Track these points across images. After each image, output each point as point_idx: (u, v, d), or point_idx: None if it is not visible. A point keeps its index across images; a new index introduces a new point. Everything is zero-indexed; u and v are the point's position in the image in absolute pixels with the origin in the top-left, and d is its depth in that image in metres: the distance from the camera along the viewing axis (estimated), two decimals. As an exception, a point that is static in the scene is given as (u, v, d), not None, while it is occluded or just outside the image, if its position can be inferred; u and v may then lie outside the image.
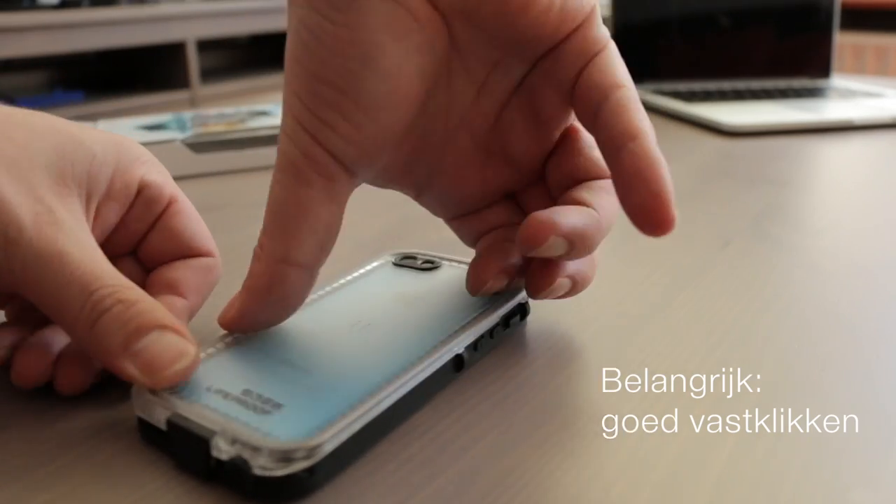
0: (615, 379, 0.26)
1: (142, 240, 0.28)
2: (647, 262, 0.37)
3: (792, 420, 0.23)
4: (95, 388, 0.25)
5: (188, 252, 0.28)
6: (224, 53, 2.56)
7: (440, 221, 0.43)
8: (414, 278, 0.31)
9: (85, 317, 0.22)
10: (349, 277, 0.31)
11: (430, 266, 0.32)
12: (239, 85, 2.27)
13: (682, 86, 0.83)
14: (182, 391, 0.22)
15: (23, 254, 0.22)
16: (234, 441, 0.20)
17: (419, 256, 0.33)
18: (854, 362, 0.27)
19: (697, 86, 0.83)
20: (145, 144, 0.55)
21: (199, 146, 0.55)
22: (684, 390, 0.25)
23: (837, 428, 0.23)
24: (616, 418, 0.24)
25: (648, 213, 0.22)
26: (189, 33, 2.10)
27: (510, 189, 0.29)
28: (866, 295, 0.32)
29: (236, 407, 0.22)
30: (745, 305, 0.32)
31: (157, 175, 0.28)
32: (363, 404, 0.22)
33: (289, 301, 0.25)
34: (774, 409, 0.24)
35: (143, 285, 0.28)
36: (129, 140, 0.28)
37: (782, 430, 0.23)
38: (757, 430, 0.23)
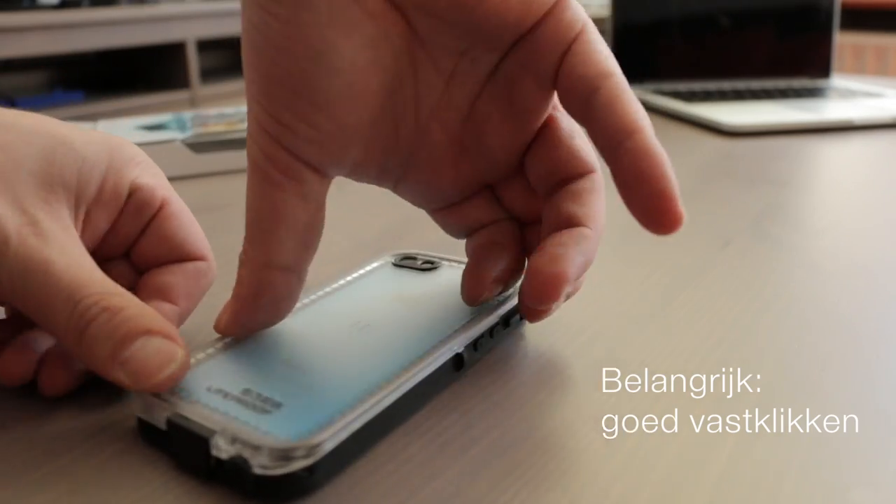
0: (615, 379, 0.26)
1: (134, 243, 0.28)
2: (647, 262, 0.37)
3: (792, 420, 0.23)
4: (94, 389, 0.25)
5: (181, 256, 0.28)
6: (224, 53, 2.56)
7: (440, 221, 0.43)
8: (414, 278, 0.31)
9: (73, 327, 0.22)
10: (349, 278, 0.31)
11: (430, 266, 0.32)
12: (239, 85, 2.26)
13: (682, 86, 0.83)
14: (182, 391, 0.22)
15: (8, 265, 0.22)
16: (234, 440, 0.20)
17: (419, 257, 0.33)
18: (854, 362, 0.27)
19: (697, 86, 0.83)
20: (145, 144, 0.55)
21: (199, 146, 0.55)
22: (684, 390, 0.25)
23: (837, 428, 0.23)
24: (616, 418, 0.24)
25: (655, 214, 0.21)
26: (189, 33, 2.10)
27: (487, 181, 0.28)
28: (866, 295, 0.32)
29: (236, 406, 0.22)
30: (745, 305, 0.32)
31: (150, 177, 0.28)
32: (363, 403, 0.22)
33: (279, 304, 0.25)
34: (774, 409, 0.24)
35: (136, 288, 0.28)
36: (121, 140, 0.28)
37: (782, 430, 0.23)
38: (757, 430, 0.23)
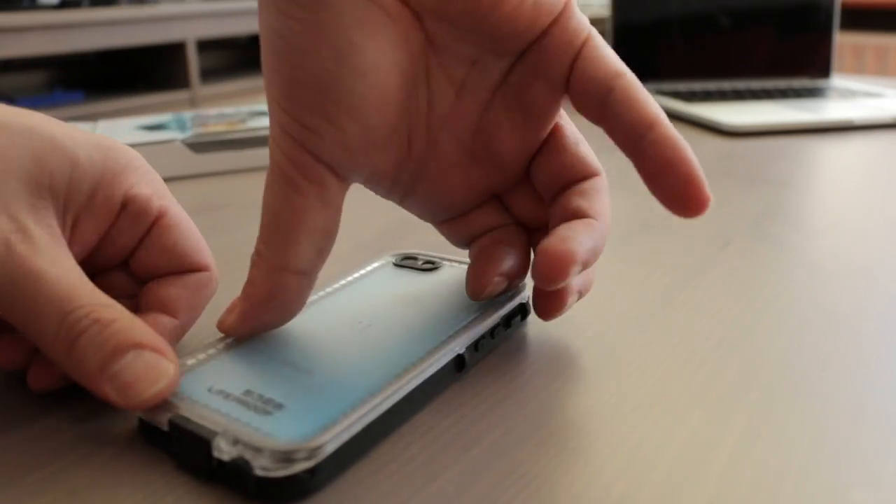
0: (616, 379, 0.26)
1: (133, 253, 0.27)
2: (647, 262, 0.37)
3: (792, 420, 0.23)
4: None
5: (182, 266, 0.27)
6: (224, 53, 2.56)
7: (440, 222, 0.43)
8: (414, 278, 0.31)
9: (62, 338, 0.22)
10: (350, 278, 0.31)
11: (431, 266, 0.32)
12: (239, 85, 2.27)
13: (682, 86, 0.83)
14: (184, 392, 0.22)
15: None
16: (235, 442, 0.20)
17: (419, 257, 0.33)
18: (854, 362, 0.27)
19: (697, 86, 0.83)
20: (145, 144, 0.55)
21: (199, 146, 0.55)
22: (684, 390, 0.25)
23: (837, 428, 0.23)
24: (616, 418, 0.24)
25: (684, 198, 0.23)
26: (189, 33, 2.10)
27: (495, 191, 0.28)
28: (866, 295, 0.32)
29: (238, 408, 0.22)
30: (745, 305, 0.32)
31: (146, 186, 0.27)
32: (364, 405, 0.22)
33: (289, 307, 0.25)
34: (774, 409, 0.24)
35: (137, 300, 0.27)
36: (118, 145, 0.27)
37: (782, 430, 0.23)
38: (757, 430, 0.23)
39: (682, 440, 0.23)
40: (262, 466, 0.20)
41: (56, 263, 0.23)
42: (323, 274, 0.36)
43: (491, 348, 0.28)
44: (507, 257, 0.27)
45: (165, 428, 0.22)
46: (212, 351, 0.25)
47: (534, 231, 0.29)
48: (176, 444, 0.22)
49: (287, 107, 0.23)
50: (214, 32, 2.18)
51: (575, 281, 0.27)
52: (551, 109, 0.26)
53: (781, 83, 0.83)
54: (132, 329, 0.22)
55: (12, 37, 1.76)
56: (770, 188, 0.49)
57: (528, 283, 0.30)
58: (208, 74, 2.31)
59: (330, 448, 0.20)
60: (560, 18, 0.24)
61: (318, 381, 0.23)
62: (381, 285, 0.30)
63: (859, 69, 2.24)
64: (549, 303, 0.27)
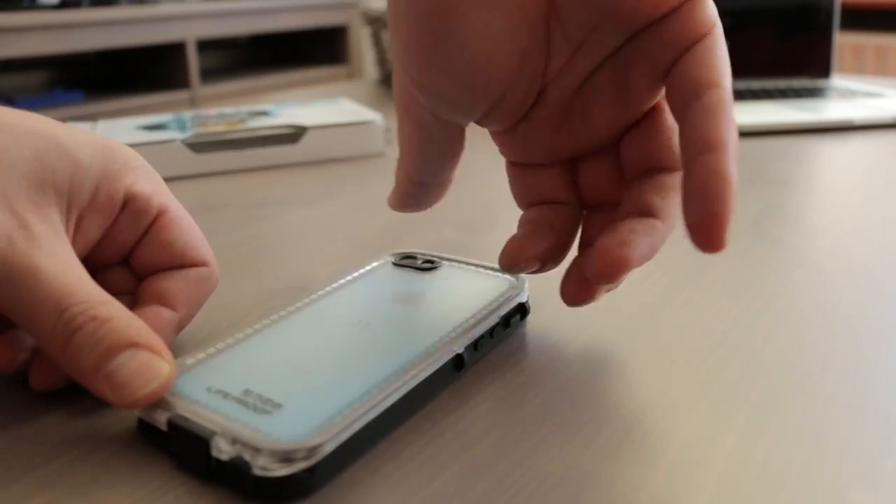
0: (615, 379, 0.26)
1: (133, 250, 0.28)
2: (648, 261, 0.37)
3: (792, 420, 0.23)
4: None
5: (182, 262, 0.28)
6: (224, 53, 2.56)
7: (440, 221, 0.43)
8: (413, 278, 0.31)
9: (59, 335, 0.22)
10: (349, 277, 0.31)
11: (430, 266, 0.32)
12: (239, 85, 2.28)
13: (682, 86, 0.82)
14: (182, 391, 0.22)
15: None
16: (234, 441, 0.20)
17: (419, 256, 0.33)
18: (854, 362, 0.27)
19: (697, 86, 0.82)
20: (145, 144, 0.55)
21: (199, 146, 0.55)
22: (684, 390, 0.25)
23: (837, 428, 0.23)
24: (616, 418, 0.24)
25: (703, 232, 0.22)
26: (189, 33, 2.10)
27: (577, 153, 0.28)
28: (866, 295, 0.32)
29: (237, 407, 0.22)
30: (745, 305, 0.32)
31: (146, 184, 0.27)
32: (363, 404, 0.22)
33: (420, 205, 0.30)
34: (774, 409, 0.24)
35: (136, 294, 0.28)
36: (117, 145, 0.27)
37: (782, 430, 0.23)
38: (757, 430, 0.23)
39: (682, 440, 0.23)
40: (261, 466, 0.20)
41: (56, 260, 0.23)
42: (322, 273, 0.36)
43: (490, 348, 0.28)
44: (546, 240, 0.28)
45: (164, 427, 0.22)
46: (211, 350, 0.25)
47: (593, 210, 0.29)
48: (175, 443, 0.22)
49: (405, 62, 0.26)
50: (214, 32, 2.18)
51: None
52: (650, 93, 0.26)
53: (781, 83, 0.83)
54: (129, 327, 0.22)
55: (12, 37, 1.76)
56: (770, 188, 0.49)
57: (529, 280, 0.30)
58: (208, 74, 2.31)
59: (329, 448, 0.20)
60: (685, 6, 0.24)
61: (316, 381, 0.23)
62: (381, 285, 0.30)
63: (859, 69, 2.24)
64: (582, 291, 0.27)
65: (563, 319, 0.30)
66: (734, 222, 0.38)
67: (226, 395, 0.22)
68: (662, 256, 0.37)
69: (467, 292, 0.29)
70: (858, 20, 2.26)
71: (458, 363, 0.26)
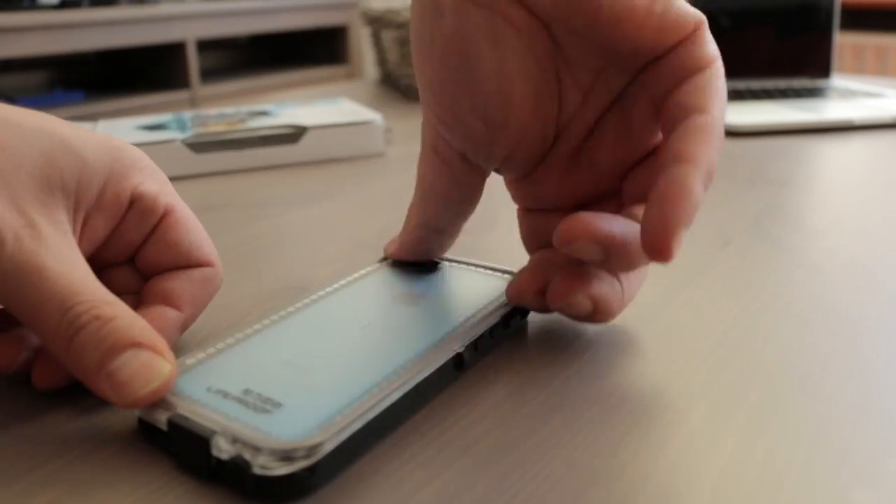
0: (615, 379, 0.26)
1: (139, 250, 0.28)
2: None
3: (792, 420, 0.23)
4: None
5: (187, 262, 0.28)
6: (224, 53, 2.56)
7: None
8: (414, 278, 0.31)
9: (62, 333, 0.22)
10: (349, 277, 0.31)
11: (431, 266, 0.32)
12: (239, 85, 2.28)
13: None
14: (183, 391, 0.22)
15: (3, 268, 0.22)
16: (234, 441, 0.20)
17: (419, 256, 0.33)
18: (854, 362, 0.27)
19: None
20: (145, 144, 0.55)
21: (199, 146, 0.55)
22: (684, 390, 0.25)
23: (838, 428, 0.23)
24: (616, 418, 0.24)
25: (652, 237, 0.22)
26: (189, 33, 2.10)
27: (583, 199, 0.29)
28: (866, 295, 0.32)
29: (237, 406, 0.22)
30: (745, 305, 0.32)
31: (152, 184, 0.28)
32: (363, 404, 0.22)
33: (430, 253, 0.31)
34: (774, 409, 0.24)
35: (141, 293, 0.28)
36: (124, 145, 0.27)
37: (782, 430, 0.23)
38: (757, 430, 0.23)
39: (682, 440, 0.23)
40: (261, 465, 0.20)
41: (62, 259, 0.23)
42: (322, 273, 0.36)
43: (490, 348, 0.28)
44: (552, 280, 0.27)
45: (164, 427, 0.22)
46: (211, 350, 0.25)
47: None
48: (175, 443, 0.22)
49: (432, 102, 0.27)
50: (214, 32, 2.18)
51: (593, 285, 0.26)
52: (650, 130, 0.27)
53: (781, 83, 0.83)
54: (131, 327, 0.22)
55: (12, 37, 1.76)
56: (770, 188, 0.49)
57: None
58: (208, 74, 2.31)
59: (329, 447, 0.20)
60: (685, 43, 0.25)
61: (317, 380, 0.23)
62: (381, 284, 0.30)
63: (859, 69, 2.24)
64: (558, 288, 0.26)
65: (563, 319, 0.30)
66: (734, 222, 0.38)
67: (226, 395, 0.22)
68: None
69: (467, 292, 0.29)
70: (858, 20, 2.26)
71: (458, 363, 0.26)
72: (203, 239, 0.29)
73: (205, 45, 2.32)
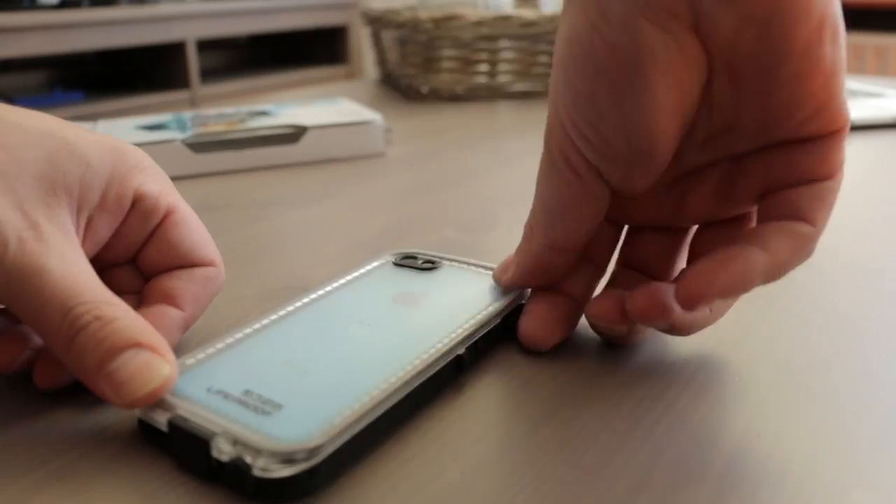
0: (616, 379, 0.26)
1: (141, 250, 0.28)
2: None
3: (792, 420, 0.23)
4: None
5: (189, 262, 0.28)
6: (224, 53, 2.56)
7: (440, 221, 0.43)
8: (414, 278, 0.31)
9: (63, 334, 0.22)
10: (349, 277, 0.31)
11: (431, 266, 0.32)
12: (239, 85, 2.27)
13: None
14: (183, 392, 0.22)
15: (6, 270, 0.22)
16: (234, 442, 0.20)
17: (419, 256, 0.33)
18: (855, 362, 0.27)
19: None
20: (145, 144, 0.55)
21: (199, 146, 0.55)
22: (684, 390, 0.25)
23: (838, 428, 0.23)
24: (616, 419, 0.24)
25: (685, 286, 0.23)
26: (189, 33, 2.10)
27: (651, 223, 0.28)
28: (866, 294, 0.32)
29: (237, 408, 0.22)
30: (745, 305, 0.31)
31: (155, 185, 0.28)
32: (364, 405, 0.22)
33: (553, 277, 0.28)
34: (774, 409, 0.24)
35: (143, 292, 0.28)
36: (126, 146, 0.27)
37: (782, 430, 0.23)
38: (757, 430, 0.23)
39: (682, 440, 0.23)
40: (262, 467, 0.20)
41: (64, 260, 0.23)
42: (322, 273, 0.36)
43: (490, 348, 0.28)
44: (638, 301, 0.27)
45: (164, 428, 0.22)
46: (211, 350, 0.25)
47: (628, 269, 0.29)
48: (175, 444, 0.22)
49: (572, 111, 0.24)
50: (214, 32, 2.18)
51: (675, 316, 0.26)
52: (747, 205, 0.26)
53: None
54: (132, 328, 0.22)
55: (12, 37, 1.76)
56: (770, 188, 0.49)
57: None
58: (208, 74, 2.31)
59: (329, 449, 0.20)
60: (827, 138, 0.24)
61: (317, 382, 0.23)
62: (381, 285, 0.30)
63: (859, 69, 2.24)
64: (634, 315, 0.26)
65: (564, 319, 0.30)
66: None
67: (226, 396, 0.22)
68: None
69: (468, 292, 0.29)
70: (858, 20, 2.26)
71: (458, 364, 0.25)
72: (205, 239, 0.29)
73: (205, 45, 2.32)
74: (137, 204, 0.27)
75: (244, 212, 0.46)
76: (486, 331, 0.27)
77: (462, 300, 0.28)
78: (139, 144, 0.54)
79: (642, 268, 0.29)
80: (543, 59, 0.82)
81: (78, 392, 0.25)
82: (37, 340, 0.25)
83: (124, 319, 0.22)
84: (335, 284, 0.30)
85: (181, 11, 2.07)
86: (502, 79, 0.84)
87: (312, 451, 0.20)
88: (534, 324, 0.28)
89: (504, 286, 0.29)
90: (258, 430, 0.21)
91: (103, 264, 0.27)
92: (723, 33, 0.22)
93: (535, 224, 0.27)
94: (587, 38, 0.23)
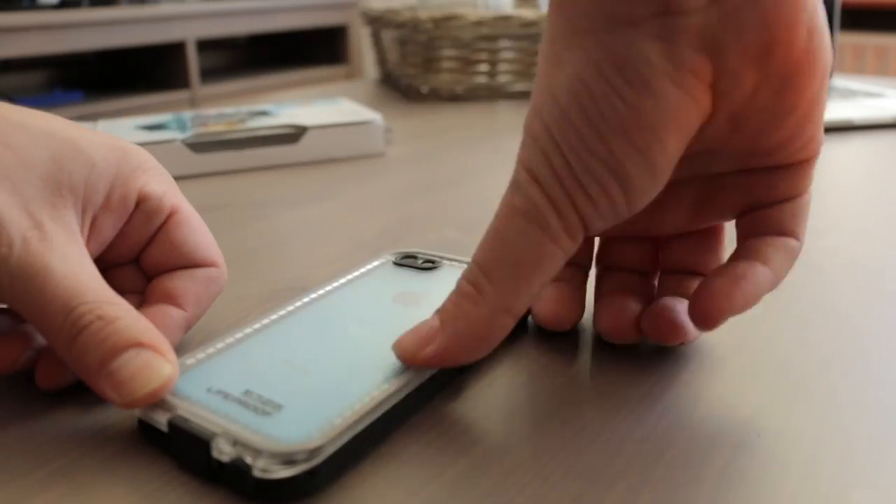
0: (616, 379, 0.26)
1: (144, 250, 0.28)
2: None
3: (792, 420, 0.23)
4: (96, 389, 0.25)
5: (190, 263, 0.28)
6: (224, 53, 2.56)
7: (440, 221, 0.43)
8: (414, 278, 0.31)
9: (65, 333, 0.22)
10: (349, 277, 0.31)
11: (431, 266, 0.32)
12: (239, 85, 2.27)
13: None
14: (183, 392, 0.22)
15: (10, 270, 0.22)
16: (234, 443, 0.20)
17: (419, 256, 0.33)
18: (855, 362, 0.27)
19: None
20: (145, 144, 0.55)
21: (199, 146, 0.55)
22: (684, 390, 0.25)
23: (838, 428, 0.23)
24: (617, 418, 0.24)
25: (702, 307, 0.24)
26: (189, 33, 2.10)
27: (619, 234, 0.29)
28: (866, 295, 0.32)
29: (237, 408, 0.22)
30: (745, 305, 0.32)
31: (158, 185, 0.28)
32: (364, 406, 0.22)
33: (494, 347, 0.24)
34: (774, 409, 0.24)
35: (145, 292, 0.28)
36: (130, 146, 0.28)
37: (782, 430, 0.23)
38: (757, 430, 0.23)
39: (682, 440, 0.23)
40: (262, 468, 0.20)
41: (68, 260, 0.23)
42: (322, 273, 0.36)
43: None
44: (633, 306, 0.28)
45: (165, 429, 0.22)
46: (211, 351, 0.25)
47: (607, 271, 0.30)
48: (175, 444, 0.22)
49: (572, 162, 0.22)
50: (214, 32, 2.18)
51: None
52: (722, 219, 0.28)
53: (781, 83, 0.83)
54: (134, 327, 0.22)
55: (12, 37, 1.76)
56: (770, 188, 0.49)
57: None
58: (208, 74, 2.31)
59: (329, 449, 0.20)
60: (801, 165, 0.25)
61: (317, 382, 0.23)
62: (381, 284, 0.30)
63: (859, 69, 2.24)
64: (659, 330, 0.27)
65: (564, 320, 0.30)
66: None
67: (226, 396, 0.22)
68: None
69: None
70: (858, 20, 2.26)
71: (458, 363, 0.25)
72: (207, 239, 0.29)
73: (205, 45, 2.32)
74: (141, 204, 0.27)
75: (244, 212, 0.46)
76: (486, 331, 0.27)
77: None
78: (139, 144, 0.54)
79: (623, 270, 0.30)
80: (543, 59, 0.82)
81: (79, 392, 0.25)
82: (39, 341, 0.25)
83: (126, 319, 0.22)
84: (335, 284, 0.30)
85: (181, 11, 2.07)
86: (502, 79, 0.84)
87: (313, 452, 0.20)
88: (551, 305, 0.28)
89: (426, 363, 0.23)
90: (258, 431, 0.21)
91: (107, 264, 0.28)
92: (743, 90, 0.22)
93: (488, 281, 0.23)
94: (602, 95, 0.21)
